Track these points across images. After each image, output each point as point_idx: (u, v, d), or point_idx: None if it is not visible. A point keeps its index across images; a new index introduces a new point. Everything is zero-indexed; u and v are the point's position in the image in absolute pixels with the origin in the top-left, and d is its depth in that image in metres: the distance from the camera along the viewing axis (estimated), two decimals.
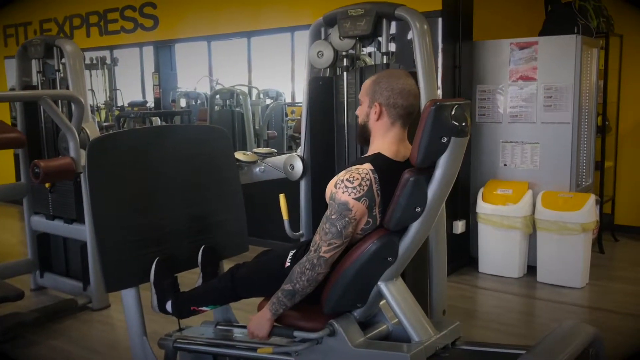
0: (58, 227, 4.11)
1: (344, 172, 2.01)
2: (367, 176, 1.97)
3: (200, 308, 2.49)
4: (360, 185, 1.95)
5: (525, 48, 4.57)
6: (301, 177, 3.26)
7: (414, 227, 1.99)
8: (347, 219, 1.95)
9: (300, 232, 3.28)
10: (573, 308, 3.98)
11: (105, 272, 2.44)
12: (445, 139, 1.88)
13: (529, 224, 4.44)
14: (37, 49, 4.11)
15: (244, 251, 2.94)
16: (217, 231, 2.80)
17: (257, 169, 3.94)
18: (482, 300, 4.29)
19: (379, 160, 2.04)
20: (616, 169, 5.72)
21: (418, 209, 1.95)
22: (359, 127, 2.17)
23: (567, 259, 4.28)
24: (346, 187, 1.95)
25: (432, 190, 1.94)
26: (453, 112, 1.89)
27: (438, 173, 1.93)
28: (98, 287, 3.92)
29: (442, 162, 1.92)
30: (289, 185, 3.22)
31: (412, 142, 2.01)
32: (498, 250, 4.57)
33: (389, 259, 2.02)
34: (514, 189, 4.55)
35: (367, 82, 2.14)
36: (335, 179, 2.02)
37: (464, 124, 1.90)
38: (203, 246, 2.70)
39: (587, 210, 4.22)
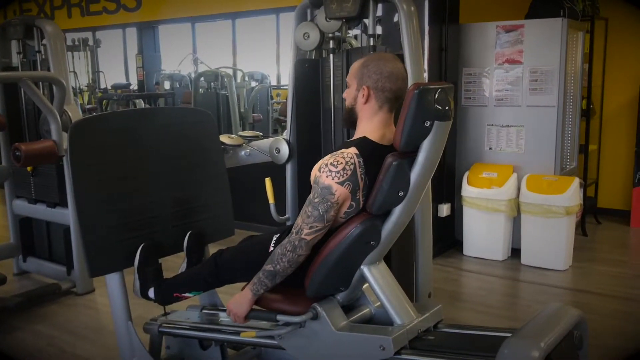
0: (40, 211, 4.06)
1: (329, 156, 2.01)
2: (352, 160, 1.96)
3: (183, 294, 2.49)
4: (344, 169, 1.94)
5: (512, 31, 4.56)
6: (287, 161, 3.24)
7: (397, 211, 1.99)
8: (329, 203, 1.95)
9: (286, 216, 3.27)
10: (556, 290, 4.02)
11: (89, 257, 2.42)
12: (428, 123, 1.87)
13: (514, 207, 4.47)
14: (16, 29, 4.03)
15: (230, 235, 2.92)
16: (203, 215, 2.78)
17: (243, 153, 3.91)
18: (467, 282, 4.32)
19: (364, 144, 2.03)
20: (600, 152, 5.76)
21: (401, 193, 1.96)
22: (346, 111, 2.15)
23: (550, 241, 4.32)
24: (330, 171, 1.95)
25: (415, 174, 1.94)
26: (436, 96, 1.88)
27: (421, 157, 1.93)
28: (82, 271, 3.88)
29: (425, 146, 1.91)
30: (274, 169, 3.21)
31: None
32: (483, 233, 4.60)
33: (372, 242, 2.02)
34: (499, 173, 4.56)
35: (355, 65, 2.10)
36: (320, 162, 2.02)
37: (447, 107, 1.89)
38: (190, 232, 2.68)
39: (571, 194, 4.25)
